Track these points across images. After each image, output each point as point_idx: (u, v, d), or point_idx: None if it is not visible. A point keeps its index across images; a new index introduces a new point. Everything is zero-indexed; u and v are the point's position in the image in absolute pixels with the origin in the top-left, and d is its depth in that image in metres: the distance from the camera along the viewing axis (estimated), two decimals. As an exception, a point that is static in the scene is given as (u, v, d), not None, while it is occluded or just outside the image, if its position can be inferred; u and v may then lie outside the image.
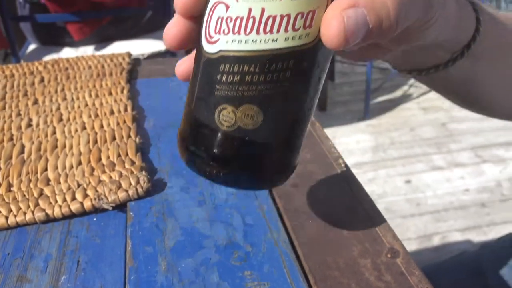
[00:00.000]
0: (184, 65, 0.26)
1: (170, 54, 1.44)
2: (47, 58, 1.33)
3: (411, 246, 1.38)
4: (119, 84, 0.58)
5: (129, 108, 0.52)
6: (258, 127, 0.22)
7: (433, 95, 2.11)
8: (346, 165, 0.44)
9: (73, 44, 1.37)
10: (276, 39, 0.21)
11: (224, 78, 0.22)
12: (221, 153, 0.23)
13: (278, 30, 0.21)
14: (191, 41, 0.24)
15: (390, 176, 1.64)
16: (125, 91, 0.56)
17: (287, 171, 0.26)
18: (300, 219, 0.36)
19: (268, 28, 0.21)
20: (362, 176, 1.64)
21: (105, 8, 1.33)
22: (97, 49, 1.38)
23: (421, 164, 1.70)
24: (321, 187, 0.41)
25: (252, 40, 0.21)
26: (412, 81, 2.24)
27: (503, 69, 0.38)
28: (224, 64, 0.22)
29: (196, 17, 0.24)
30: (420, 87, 2.18)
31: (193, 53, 0.25)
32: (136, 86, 0.60)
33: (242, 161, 0.24)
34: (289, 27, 0.21)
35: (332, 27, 0.20)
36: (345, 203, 0.38)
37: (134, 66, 0.65)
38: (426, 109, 2.02)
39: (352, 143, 1.82)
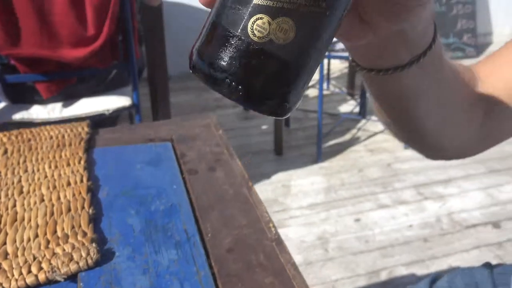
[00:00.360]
0: None
1: (135, 108, 1.49)
2: (17, 116, 1.37)
3: (360, 282, 1.44)
4: (77, 154, 0.62)
5: (84, 179, 0.57)
6: (287, 44, 0.22)
7: (379, 137, 2.25)
8: (275, 229, 0.50)
9: (42, 102, 1.40)
10: None
11: None
12: (245, 65, 0.23)
13: None
14: None
15: (341, 215, 1.72)
16: (82, 162, 0.61)
17: (296, 98, 0.25)
18: (232, 283, 0.42)
19: None
20: (316, 217, 1.71)
21: (72, 68, 1.38)
22: (64, 106, 1.42)
23: (369, 203, 1.80)
24: (251, 252, 0.46)
25: None
26: (360, 124, 2.38)
27: (437, 95, 0.41)
28: None
29: None
30: (367, 130, 2.32)
31: None
32: (93, 155, 0.65)
33: (263, 74, 0.23)
34: None
35: None
36: (273, 266, 0.44)
37: (93, 135, 0.70)
38: (372, 151, 2.14)
39: (306, 185, 1.90)
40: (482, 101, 0.46)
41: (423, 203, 1.80)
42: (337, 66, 3.04)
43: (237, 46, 0.22)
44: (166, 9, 2.41)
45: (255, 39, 0.22)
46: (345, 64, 2.90)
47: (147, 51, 1.84)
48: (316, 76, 2.19)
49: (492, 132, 0.49)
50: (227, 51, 0.23)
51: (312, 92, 2.52)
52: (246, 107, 0.27)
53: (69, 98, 1.44)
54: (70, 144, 0.65)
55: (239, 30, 0.22)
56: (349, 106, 2.60)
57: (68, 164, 0.60)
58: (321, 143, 2.02)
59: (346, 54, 1.86)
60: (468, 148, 0.51)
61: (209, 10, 0.25)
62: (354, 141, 2.24)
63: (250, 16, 0.22)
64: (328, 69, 2.73)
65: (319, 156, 2.02)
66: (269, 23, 0.22)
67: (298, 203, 1.80)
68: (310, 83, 0.29)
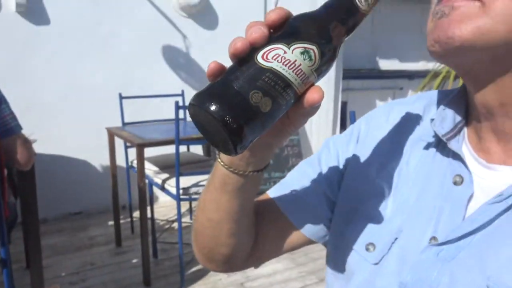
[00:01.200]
0: (217, 67, 0.38)
1: (2, 264, 1.58)
2: None
3: None
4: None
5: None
6: (263, 107, 0.36)
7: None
8: None
9: None
10: (294, 78, 0.37)
11: (265, 78, 0.36)
12: (238, 112, 0.35)
13: (298, 76, 0.38)
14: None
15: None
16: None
17: (246, 140, 0.37)
18: None
19: (298, 71, 0.37)
20: None
21: None
22: None
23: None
24: None
25: (287, 71, 0.37)
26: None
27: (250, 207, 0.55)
28: (269, 73, 0.36)
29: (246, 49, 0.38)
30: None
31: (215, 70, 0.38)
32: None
33: (245, 118, 0.36)
34: (302, 79, 0.38)
35: (316, 93, 0.39)
36: None
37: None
38: (229, 273, 2.44)
39: (170, 312, 2.06)
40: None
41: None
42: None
43: (239, 102, 0.36)
44: (42, 159, 2.61)
45: (251, 102, 0.35)
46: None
47: (20, 201, 1.96)
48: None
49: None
50: (232, 103, 0.36)
51: (176, 225, 2.81)
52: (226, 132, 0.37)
53: None
54: None
55: (243, 95, 0.36)
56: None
57: None
58: (183, 271, 2.26)
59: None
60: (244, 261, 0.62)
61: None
62: (213, 265, 2.52)
63: (250, 90, 0.36)
64: (190, 203, 3.06)
65: (183, 283, 2.24)
66: (260, 96, 0.36)
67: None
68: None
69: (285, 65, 0.37)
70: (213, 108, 0.35)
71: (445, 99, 0.52)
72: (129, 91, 2.98)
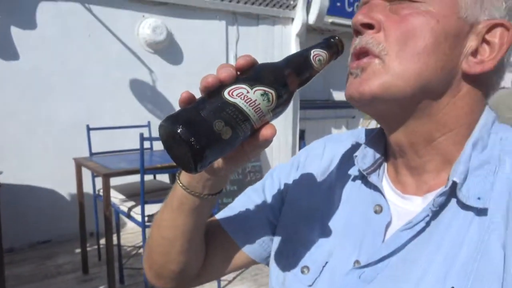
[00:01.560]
0: (188, 96, 0.43)
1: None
2: None
3: None
4: None
5: None
6: (224, 135, 0.40)
7: None
8: None
9: None
10: (253, 115, 0.42)
11: (228, 111, 0.41)
12: (202, 136, 0.39)
13: (257, 112, 0.42)
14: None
15: None
16: None
17: (206, 160, 0.41)
18: None
19: (256, 109, 0.42)
20: None
21: None
22: None
23: None
24: None
25: (248, 108, 0.42)
26: None
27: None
28: (233, 107, 0.41)
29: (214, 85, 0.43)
30: None
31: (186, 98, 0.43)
32: None
33: (207, 142, 0.40)
34: (260, 116, 0.43)
35: (270, 130, 0.44)
36: None
37: None
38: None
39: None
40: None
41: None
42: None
43: (204, 128, 0.40)
44: (9, 190, 2.63)
45: (215, 129, 0.40)
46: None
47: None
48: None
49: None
50: (199, 129, 0.39)
51: (142, 251, 2.85)
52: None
53: None
54: None
55: (208, 122, 0.40)
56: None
57: None
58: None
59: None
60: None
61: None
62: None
63: (215, 118, 0.40)
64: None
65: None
66: (222, 125, 0.40)
67: None
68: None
69: (247, 103, 0.42)
70: (180, 130, 0.39)
71: (368, 137, 0.58)
72: (97, 123, 3.07)
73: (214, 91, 0.43)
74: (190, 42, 3.71)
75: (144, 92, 3.55)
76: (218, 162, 0.47)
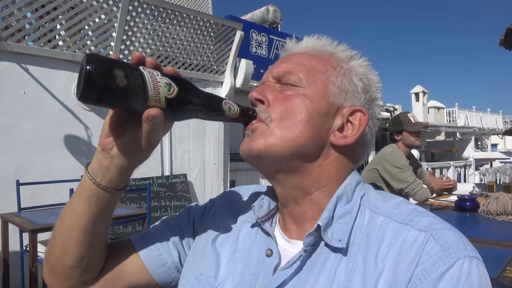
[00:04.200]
0: (139, 55, 0.49)
1: None
2: None
3: None
4: None
5: None
6: (119, 81, 0.44)
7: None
8: None
9: None
10: (150, 89, 0.46)
11: (133, 72, 0.46)
12: (101, 70, 0.43)
13: (155, 90, 0.46)
14: None
15: None
16: None
17: (93, 91, 0.44)
18: None
19: (156, 87, 0.46)
20: None
21: None
22: None
23: None
24: None
25: (149, 81, 0.46)
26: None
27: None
28: (139, 73, 0.46)
29: None
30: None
31: None
32: None
33: (103, 78, 0.43)
34: (155, 95, 0.46)
35: (155, 111, 0.46)
36: None
37: None
38: None
39: None
40: None
41: None
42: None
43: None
44: None
45: (114, 73, 0.44)
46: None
47: None
48: None
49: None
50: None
51: None
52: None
53: None
54: None
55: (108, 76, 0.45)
56: None
57: None
58: None
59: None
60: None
61: None
62: None
63: (119, 68, 0.45)
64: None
65: None
66: (122, 76, 0.44)
67: None
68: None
69: (151, 79, 0.46)
70: (87, 59, 0.44)
71: (267, 190, 0.64)
72: (28, 178, 2.95)
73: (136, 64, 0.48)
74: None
75: (79, 147, 3.48)
76: (110, 141, 0.51)
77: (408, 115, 2.67)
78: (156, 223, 0.69)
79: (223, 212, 0.67)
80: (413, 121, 2.61)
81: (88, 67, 0.43)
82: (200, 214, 0.68)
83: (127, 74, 0.45)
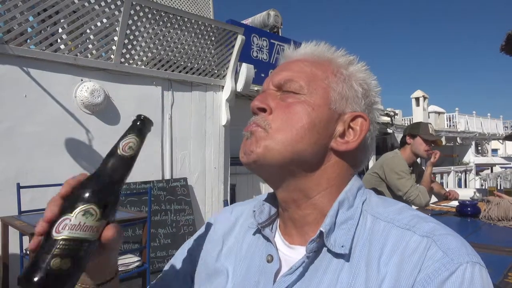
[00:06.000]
0: (33, 244, 0.44)
1: None
2: None
3: None
4: None
5: None
6: (65, 266, 0.42)
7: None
8: None
9: None
10: (85, 234, 0.43)
11: (59, 247, 0.42)
12: (48, 281, 0.41)
13: (87, 230, 0.43)
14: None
15: None
16: None
17: None
18: None
19: (85, 228, 0.43)
20: None
21: None
22: None
23: None
24: None
25: (77, 233, 0.43)
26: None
27: None
28: (62, 241, 0.42)
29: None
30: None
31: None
32: None
33: (52, 282, 0.41)
34: (92, 230, 0.44)
35: (109, 231, 0.46)
36: None
37: None
38: None
39: None
40: None
41: None
42: None
43: (41, 267, 0.42)
44: None
45: (54, 268, 0.42)
46: None
47: None
48: None
49: None
50: (38, 269, 0.42)
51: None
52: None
53: None
54: None
55: (43, 261, 0.42)
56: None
57: None
58: None
59: None
60: None
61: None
62: None
63: (51, 260, 0.42)
64: None
65: None
66: (60, 261, 0.42)
67: None
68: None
69: (73, 230, 0.43)
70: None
71: (267, 196, 0.64)
72: (28, 181, 2.95)
73: (48, 232, 0.44)
74: (127, 104, 3.75)
75: (80, 150, 3.48)
76: (84, 277, 0.51)
77: (429, 125, 2.70)
78: (170, 262, 0.70)
79: (225, 225, 0.68)
80: (431, 131, 2.64)
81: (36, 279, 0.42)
82: (204, 234, 0.69)
83: (60, 254, 0.43)
